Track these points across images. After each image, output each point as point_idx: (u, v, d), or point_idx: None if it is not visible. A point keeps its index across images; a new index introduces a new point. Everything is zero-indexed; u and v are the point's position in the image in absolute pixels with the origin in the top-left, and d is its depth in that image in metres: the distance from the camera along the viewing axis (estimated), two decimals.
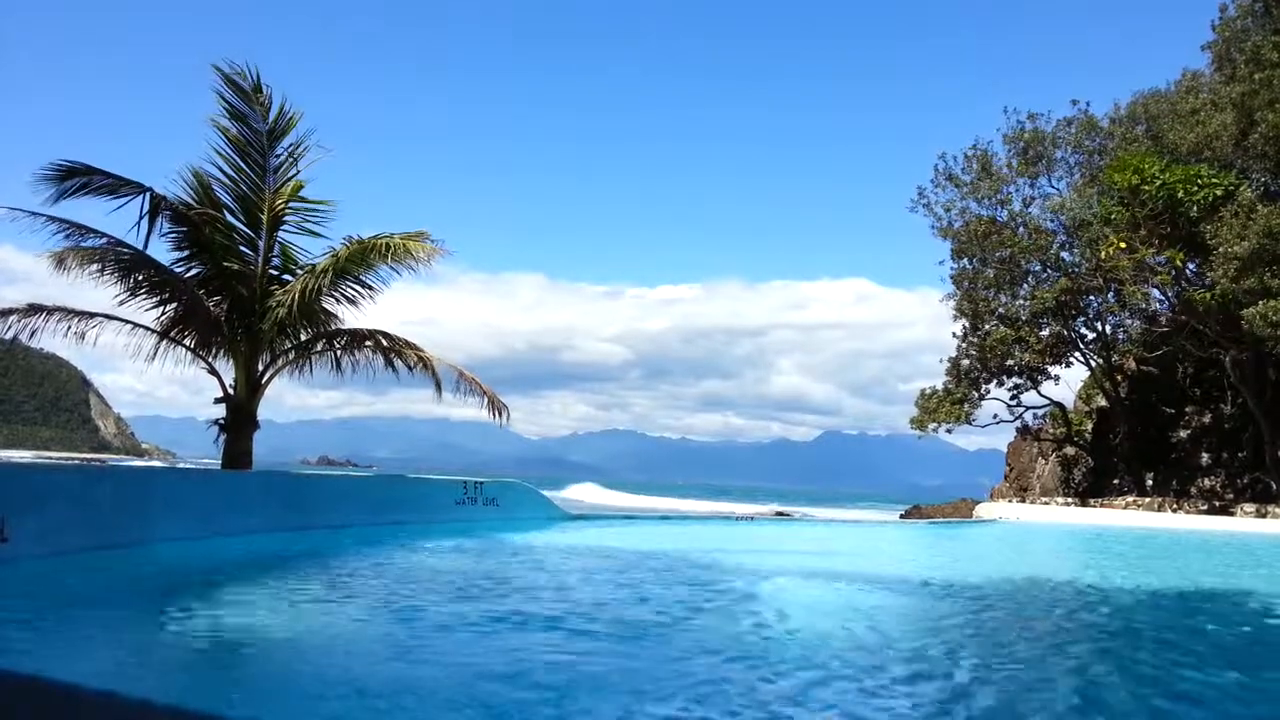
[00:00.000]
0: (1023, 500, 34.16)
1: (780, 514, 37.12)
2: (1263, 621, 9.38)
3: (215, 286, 14.07)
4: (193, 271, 14.00)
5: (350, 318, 14.99)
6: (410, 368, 14.83)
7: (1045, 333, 32.63)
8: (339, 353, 15.01)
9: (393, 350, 14.88)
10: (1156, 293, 28.43)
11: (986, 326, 32.66)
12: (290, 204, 14.21)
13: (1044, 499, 33.41)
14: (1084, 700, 5.49)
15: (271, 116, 13.80)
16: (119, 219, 12.91)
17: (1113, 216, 26.86)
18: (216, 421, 13.90)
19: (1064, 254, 31.25)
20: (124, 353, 13.63)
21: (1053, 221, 31.11)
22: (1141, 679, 6.20)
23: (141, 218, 12.84)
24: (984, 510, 28.72)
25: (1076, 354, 33.84)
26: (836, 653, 6.34)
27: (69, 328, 13.14)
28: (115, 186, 12.76)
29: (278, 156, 14.14)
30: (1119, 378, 34.38)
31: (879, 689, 5.34)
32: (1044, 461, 39.57)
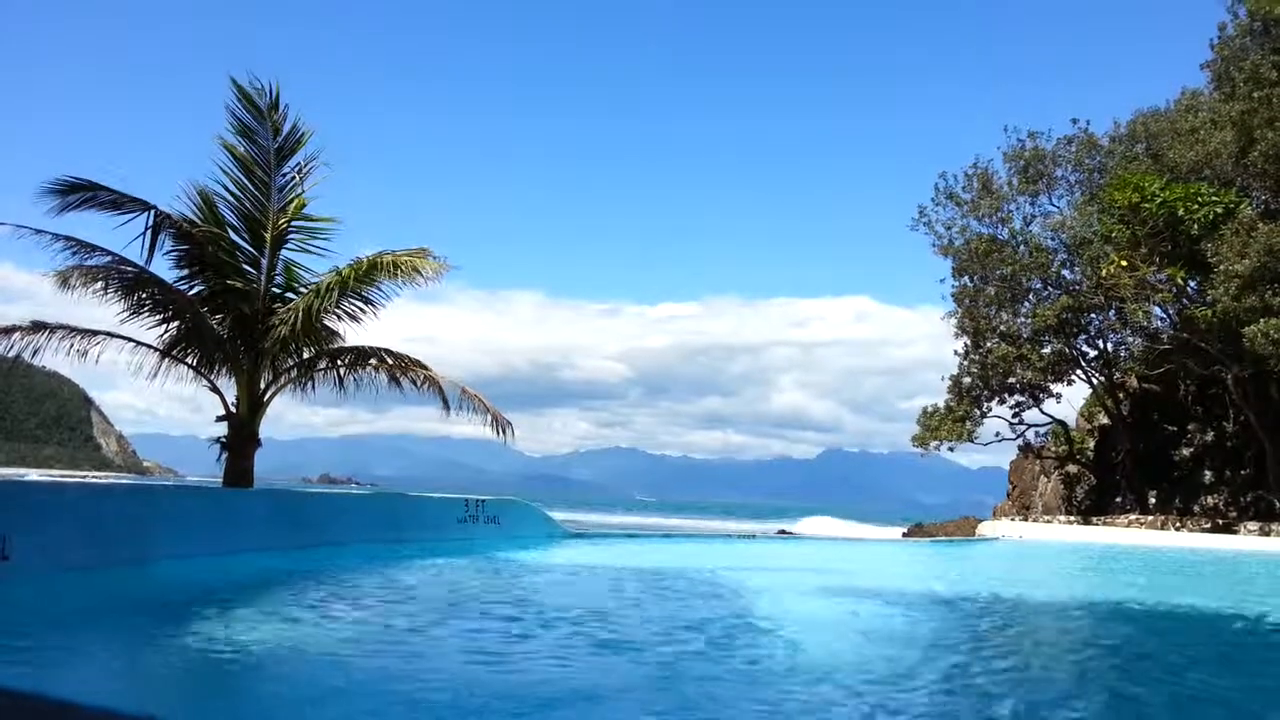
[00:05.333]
0: (1025, 518, 34.06)
1: (783, 532, 37.03)
2: (1267, 639, 9.34)
3: (218, 305, 14.09)
4: (195, 289, 14.03)
5: (352, 335, 15.03)
6: (417, 385, 14.84)
7: (1047, 350, 32.64)
8: (342, 371, 15.02)
9: (397, 368, 14.90)
10: (1158, 310, 28.44)
11: (988, 344, 32.68)
12: (294, 223, 14.27)
13: (1046, 517, 33.32)
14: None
15: (283, 134, 13.84)
16: (122, 237, 12.93)
17: (1113, 234, 26.92)
18: (218, 439, 13.90)
19: (1065, 272, 31.33)
20: (126, 371, 13.63)
21: (1053, 239, 31.20)
22: (1152, 697, 6.18)
23: (145, 231, 12.90)
24: (987, 529, 28.65)
25: (1078, 372, 33.85)
26: (847, 675, 6.32)
27: (71, 346, 13.15)
28: (119, 202, 12.82)
29: (284, 175, 14.19)
30: (1121, 395, 34.36)
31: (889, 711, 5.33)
32: (1046, 479, 39.50)
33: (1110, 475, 34.91)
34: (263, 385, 14.21)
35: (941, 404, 34.11)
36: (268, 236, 14.10)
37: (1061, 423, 35.65)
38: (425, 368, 15.00)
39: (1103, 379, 33.47)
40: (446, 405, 14.82)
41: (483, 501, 16.28)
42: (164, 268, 13.63)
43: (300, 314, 13.38)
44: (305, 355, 14.71)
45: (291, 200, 14.30)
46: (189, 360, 14.06)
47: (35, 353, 13.06)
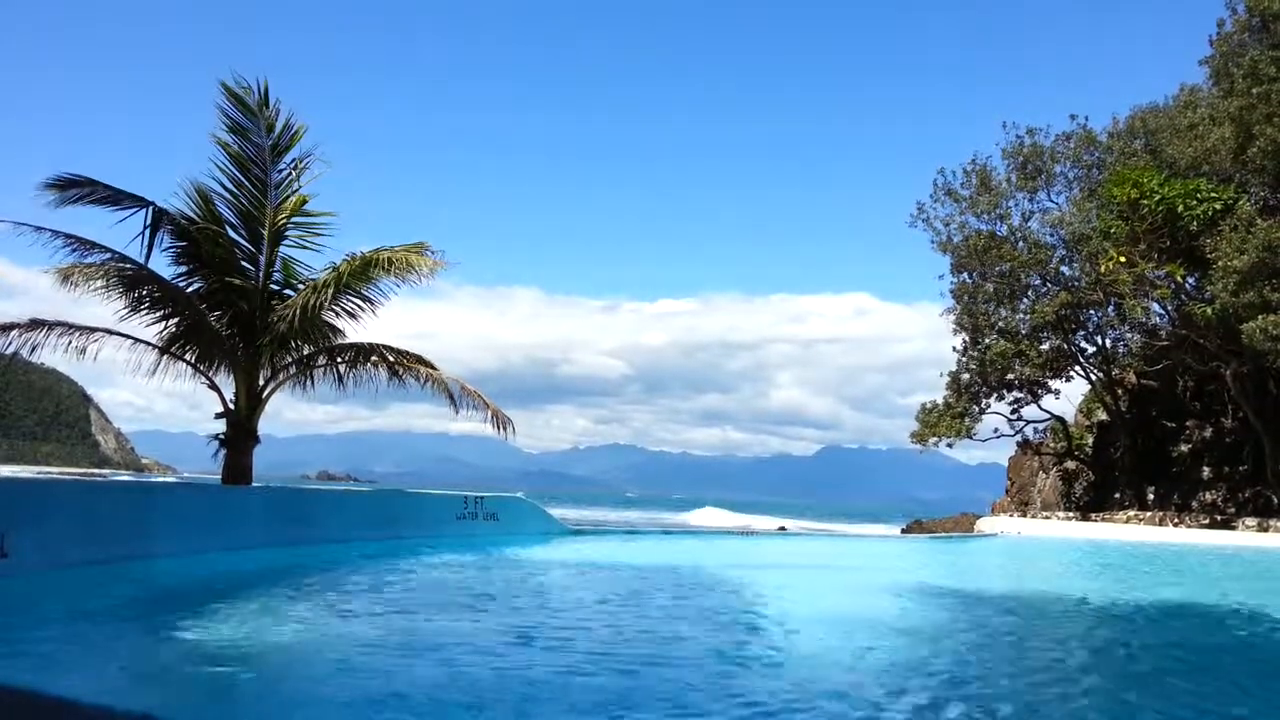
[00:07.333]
0: (1024, 515, 34.10)
1: (782, 529, 37.01)
2: (1267, 635, 9.34)
3: (216, 301, 14.07)
4: (194, 286, 14.01)
5: (350, 331, 15.01)
6: (420, 383, 14.82)
7: (1045, 346, 32.67)
8: (342, 368, 14.99)
9: (399, 365, 14.87)
10: (1156, 306, 28.48)
11: (986, 340, 32.69)
12: (292, 219, 14.24)
13: (1045, 513, 33.36)
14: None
15: (276, 131, 13.80)
16: (122, 235, 12.92)
17: (1112, 230, 26.91)
18: (217, 436, 13.89)
19: (1063, 268, 31.34)
20: (124, 368, 13.60)
21: (1052, 236, 31.20)
22: (1155, 694, 6.19)
23: (144, 230, 12.87)
24: (985, 525, 28.68)
25: (1077, 368, 33.87)
26: (846, 674, 6.32)
27: (70, 343, 13.13)
28: (117, 198, 12.80)
29: (280, 171, 14.16)
30: (1119, 391, 34.37)
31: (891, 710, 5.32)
32: (1045, 476, 39.52)
33: (1109, 471, 34.93)
34: (261, 382, 14.20)
35: (940, 400, 34.14)
36: (265, 233, 14.08)
37: (1060, 419, 35.68)
38: (426, 364, 14.97)
39: (1101, 375, 33.48)
40: (454, 403, 14.81)
41: (481, 498, 16.27)
42: (163, 265, 13.63)
43: (298, 310, 13.37)
44: (305, 352, 14.69)
45: (288, 196, 14.27)
46: (188, 357, 14.04)
47: (33, 350, 13.05)
